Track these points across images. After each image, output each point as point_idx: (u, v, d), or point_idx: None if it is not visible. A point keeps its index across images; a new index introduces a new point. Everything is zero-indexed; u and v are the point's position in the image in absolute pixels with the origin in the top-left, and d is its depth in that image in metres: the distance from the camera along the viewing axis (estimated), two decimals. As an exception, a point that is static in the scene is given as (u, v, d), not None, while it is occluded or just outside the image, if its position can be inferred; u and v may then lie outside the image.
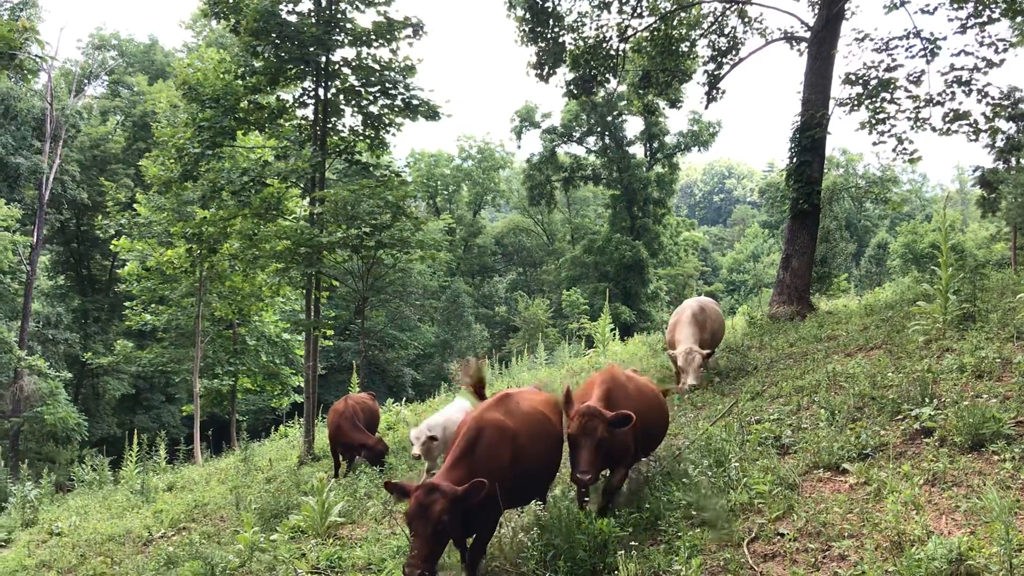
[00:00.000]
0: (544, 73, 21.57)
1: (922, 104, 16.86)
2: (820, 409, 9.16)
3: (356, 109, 18.46)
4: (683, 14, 21.11)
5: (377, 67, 17.79)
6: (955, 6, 16.52)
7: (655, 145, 61.22)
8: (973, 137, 16.92)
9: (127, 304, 32.60)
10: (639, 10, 20.85)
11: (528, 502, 7.76)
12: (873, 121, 17.15)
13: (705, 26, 21.39)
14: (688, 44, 21.56)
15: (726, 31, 21.34)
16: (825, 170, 19.58)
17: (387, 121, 18.60)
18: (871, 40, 17.19)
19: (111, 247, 32.87)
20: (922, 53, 17.01)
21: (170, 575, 9.66)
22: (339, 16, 17.36)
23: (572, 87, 22.14)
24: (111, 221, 32.00)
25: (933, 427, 7.59)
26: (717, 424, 9.30)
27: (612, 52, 21.50)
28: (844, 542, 6.04)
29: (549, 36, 20.99)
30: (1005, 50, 16.33)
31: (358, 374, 22.47)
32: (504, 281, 72.21)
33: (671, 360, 12.95)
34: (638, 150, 61.71)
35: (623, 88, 26.71)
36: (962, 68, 16.58)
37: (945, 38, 16.87)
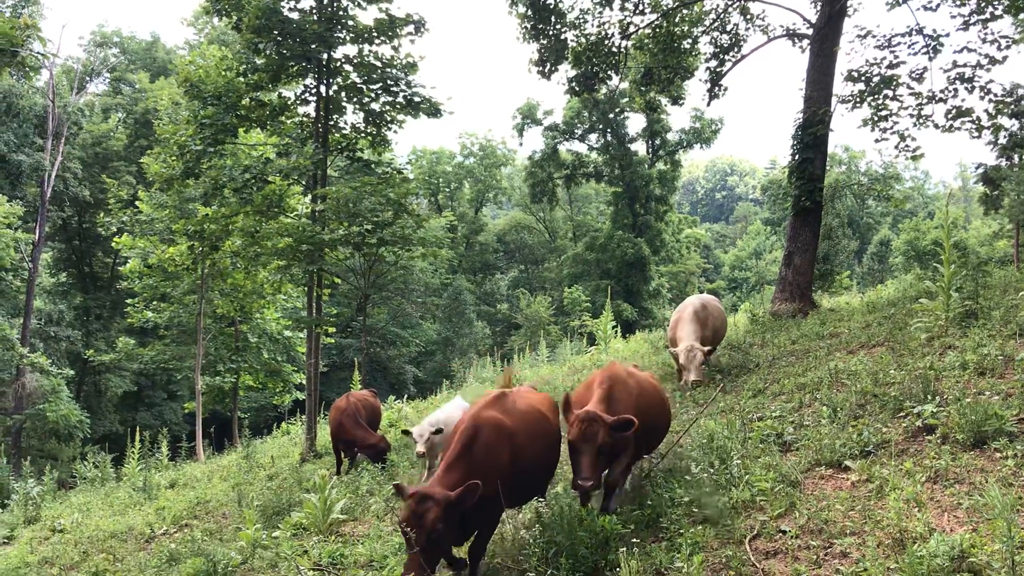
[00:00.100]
0: (546, 70, 21.55)
1: (924, 101, 16.82)
2: (822, 406, 9.15)
3: (358, 106, 18.45)
4: (685, 11, 21.07)
5: (379, 64, 17.78)
6: (957, 3, 16.48)
7: (657, 142, 61.18)
8: (976, 134, 16.88)
9: (129, 301, 32.67)
10: (641, 7, 20.82)
11: (526, 501, 7.74)
12: (875, 118, 17.11)
13: (707, 23, 21.36)
14: (690, 41, 21.52)
15: (728, 28, 21.30)
16: (827, 167, 19.53)
17: (389, 118, 18.59)
18: (873, 37, 17.17)
19: (113, 244, 32.91)
20: (924, 50, 16.98)
21: (172, 572, 9.68)
22: (341, 13, 17.34)
23: (574, 84, 22.12)
24: (113, 218, 32.05)
25: (935, 424, 7.58)
26: (713, 419, 9.28)
27: (614, 49, 21.47)
28: (846, 539, 6.04)
29: (551, 33, 20.96)
30: (1008, 47, 16.29)
31: (360, 371, 22.46)
32: (506, 278, 72.22)
33: (673, 357, 12.96)
34: (640, 147, 61.73)
35: (625, 85, 26.64)
36: (965, 65, 16.55)
37: (948, 35, 16.86)
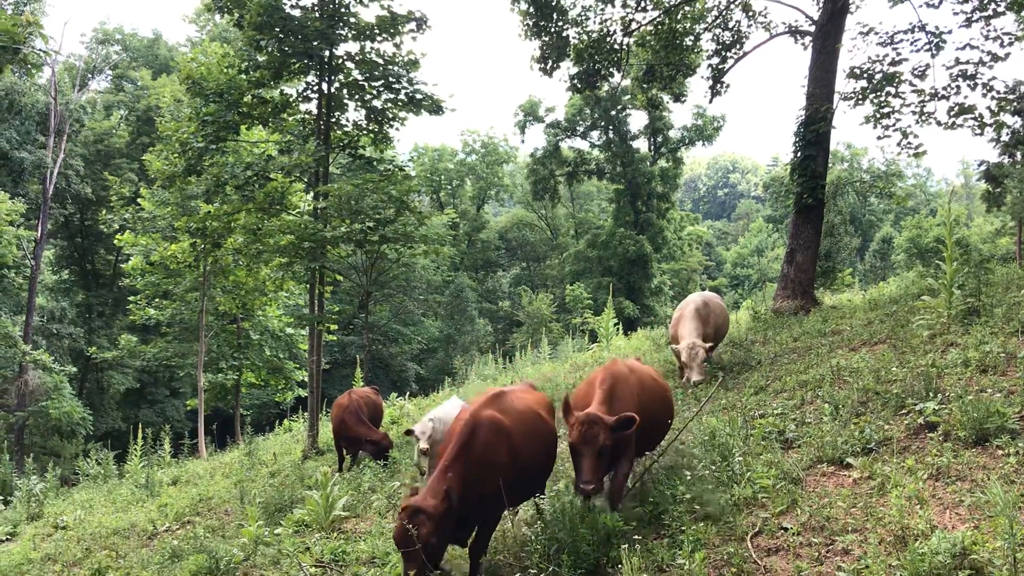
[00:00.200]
0: (548, 67, 21.53)
1: (927, 98, 16.79)
2: (824, 404, 9.16)
3: (360, 103, 18.46)
4: (687, 8, 21.04)
5: (381, 61, 17.78)
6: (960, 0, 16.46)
7: (659, 139, 61.09)
8: (978, 131, 16.85)
9: (131, 299, 32.67)
10: (643, 4, 20.79)
11: (523, 501, 7.72)
12: (878, 115, 17.08)
13: (709, 20, 21.33)
14: (692, 38, 21.50)
15: (730, 25, 21.27)
16: (829, 164, 19.52)
17: (391, 115, 18.60)
18: (876, 34, 17.13)
19: (115, 242, 32.92)
20: (927, 47, 16.95)
21: (175, 569, 9.70)
22: (343, 10, 17.34)
23: (576, 81, 22.10)
24: (115, 216, 32.03)
25: (937, 421, 7.59)
26: (715, 416, 9.28)
27: (616, 46, 21.44)
28: (848, 536, 6.04)
29: (553, 30, 20.94)
30: (1011, 44, 16.26)
31: (362, 368, 22.47)
32: (508, 276, 72.20)
33: (675, 355, 12.96)
34: (642, 144, 61.63)
35: (627, 82, 26.62)
36: (967, 62, 16.51)
37: (950, 32, 16.81)
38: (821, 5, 18.74)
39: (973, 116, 16.62)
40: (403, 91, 18.04)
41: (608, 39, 21.25)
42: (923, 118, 16.89)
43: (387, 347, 52.80)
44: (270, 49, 17.29)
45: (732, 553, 6.22)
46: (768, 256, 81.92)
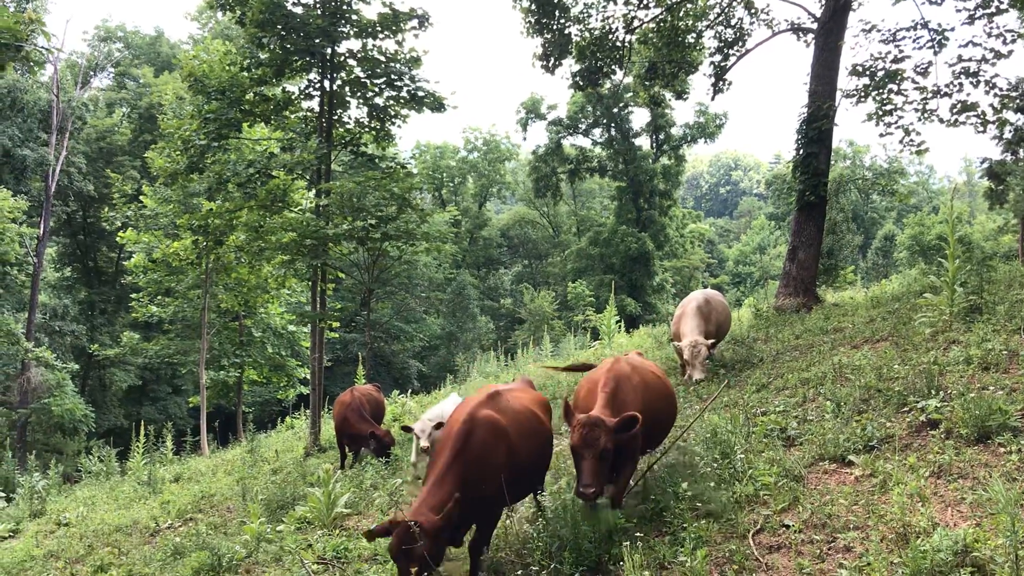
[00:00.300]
0: (550, 65, 21.51)
1: (929, 95, 16.78)
2: (826, 401, 9.15)
3: (362, 101, 18.45)
4: (689, 5, 21.02)
5: (383, 59, 17.78)
6: (963, -4, 16.43)
7: (661, 137, 61.02)
8: (981, 129, 16.83)
9: (133, 296, 32.69)
10: (645, 1, 20.77)
11: (519, 500, 7.70)
12: (880, 112, 17.07)
13: (711, 17, 21.31)
14: (694, 35, 21.47)
15: (732, 22, 21.24)
16: (832, 162, 19.49)
17: (393, 113, 18.59)
18: (878, 31, 17.11)
19: (117, 239, 32.92)
20: (929, 44, 16.92)
21: (177, 566, 9.71)
22: (345, 8, 17.33)
23: (578, 79, 22.07)
24: (117, 213, 32.09)
25: (939, 419, 7.58)
26: (720, 414, 9.27)
27: (618, 43, 21.42)
28: (849, 534, 6.04)
29: (555, 27, 20.92)
30: (1013, 41, 16.23)
31: (364, 366, 22.48)
32: (510, 273, 72.19)
33: (676, 352, 12.96)
34: (644, 142, 61.55)
35: (629, 80, 26.61)
36: (970, 59, 16.49)
37: (953, 29, 16.82)
38: (823, 2, 18.71)
39: (976, 113, 16.61)
40: (405, 88, 18.03)
41: (610, 36, 21.24)
42: (925, 115, 16.89)
43: (389, 344, 52.83)
44: (272, 46, 17.29)
45: (734, 550, 6.23)
46: (770, 254, 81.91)
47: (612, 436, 6.69)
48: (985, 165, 25.88)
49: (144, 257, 30.03)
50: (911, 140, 17.21)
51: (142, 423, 22.73)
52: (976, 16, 16.21)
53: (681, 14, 20.99)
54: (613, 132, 59.88)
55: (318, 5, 17.44)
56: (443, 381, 26.74)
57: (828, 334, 13.58)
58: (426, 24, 17.72)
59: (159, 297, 31.29)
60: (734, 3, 20.96)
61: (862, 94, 17.13)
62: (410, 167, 20.48)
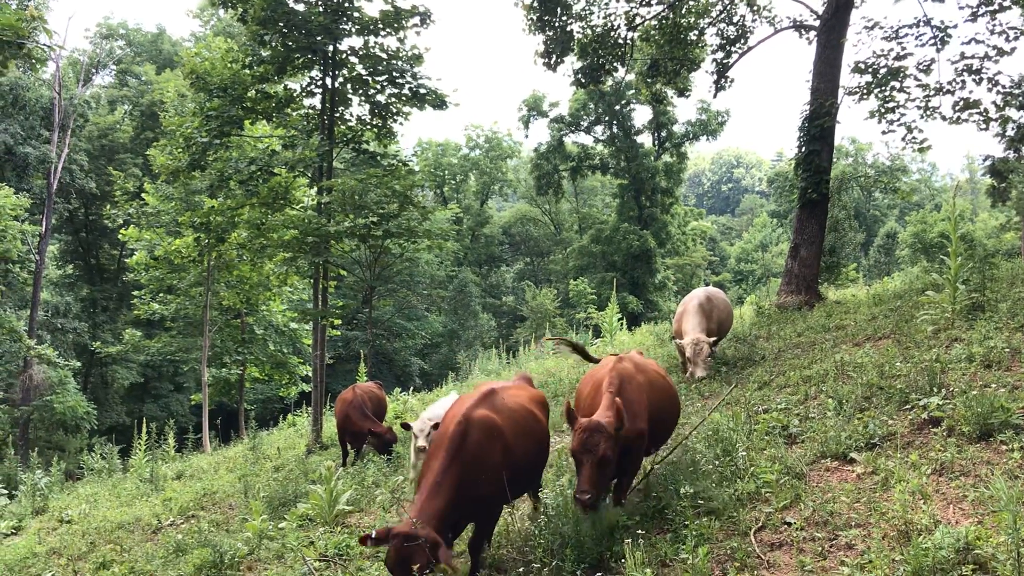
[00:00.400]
0: (552, 62, 21.50)
1: (932, 93, 16.77)
2: (828, 399, 9.15)
3: (363, 98, 18.45)
4: (691, 2, 21.01)
5: (384, 56, 17.76)
6: (965, -6, 16.40)
7: (663, 134, 61.01)
8: (983, 126, 16.82)
9: (135, 293, 32.73)
10: (647, -2, 20.77)
11: (517, 497, 7.67)
12: (882, 110, 17.06)
13: (714, 14, 21.29)
14: (697, 32, 21.46)
15: (735, 19, 21.23)
16: (834, 159, 19.46)
17: (394, 110, 18.58)
18: (881, 28, 17.09)
19: (119, 236, 32.98)
20: (932, 41, 16.91)
21: (179, 563, 9.72)
22: (346, 5, 17.31)
23: (580, 76, 22.06)
24: (119, 210, 32.13)
25: (941, 417, 7.58)
26: (723, 412, 9.27)
27: (620, 40, 21.41)
28: (851, 531, 6.04)
29: (557, 24, 20.91)
30: (1016, 38, 16.21)
31: (366, 363, 22.50)
32: (511, 271, 72.20)
33: (678, 350, 12.95)
34: (646, 139, 61.55)
35: (631, 77, 26.53)
36: (972, 56, 16.47)
37: (956, 26, 16.76)
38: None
39: (978, 111, 16.60)
40: (407, 86, 18.02)
41: (612, 34, 21.22)
42: (928, 113, 16.88)
43: (391, 342, 52.83)
44: (274, 44, 17.29)
45: (735, 548, 6.23)
46: (772, 251, 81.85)
47: (613, 443, 6.59)
48: (987, 162, 25.78)
49: (146, 254, 30.05)
50: (913, 137, 17.21)
51: (144, 420, 22.73)
52: (979, 13, 16.19)
53: (683, 11, 20.98)
54: (615, 129, 59.86)
55: (320, 3, 17.42)
56: (445, 379, 26.74)
57: (830, 332, 13.57)
58: (428, 21, 17.70)
59: (161, 294, 31.30)
60: (736, 0, 20.95)
61: (864, 91, 17.12)
62: (412, 164, 20.51)
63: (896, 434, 7.60)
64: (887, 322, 12.66)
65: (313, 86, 18.69)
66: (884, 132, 17.52)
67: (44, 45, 13.90)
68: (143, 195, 30.63)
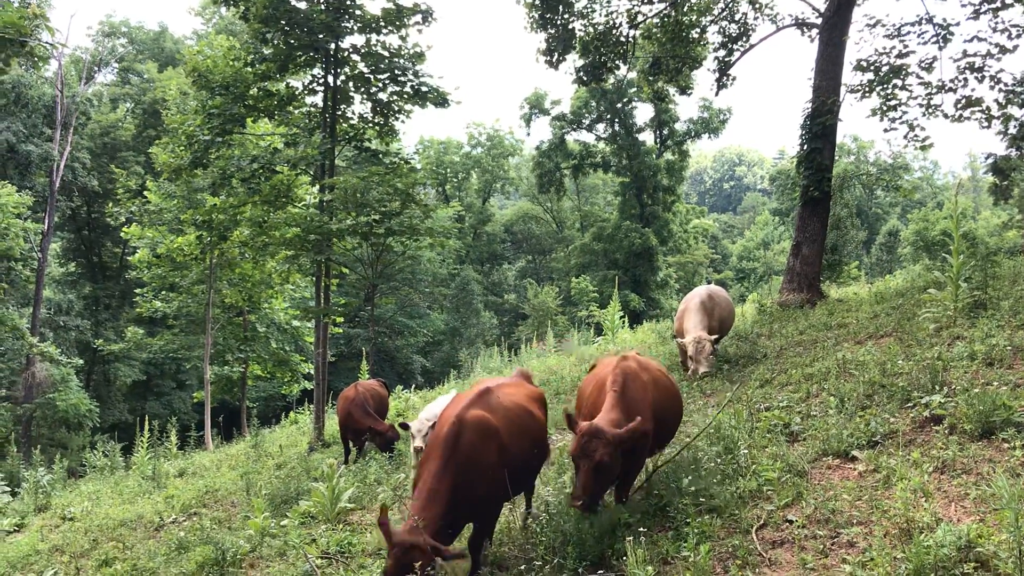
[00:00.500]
0: (553, 60, 21.48)
1: (934, 91, 16.72)
2: (829, 397, 9.15)
3: (365, 96, 18.45)
4: (693, 0, 20.98)
5: (386, 54, 17.76)
6: (968, -9, 16.36)
7: (665, 132, 60.96)
8: (985, 124, 16.77)
9: (138, 291, 32.76)
10: (649, -4, 20.74)
11: (516, 494, 7.65)
12: (884, 108, 17.02)
13: (715, 12, 21.25)
14: (698, 30, 21.43)
15: (736, 17, 21.19)
16: (836, 157, 19.45)
17: (396, 108, 18.58)
18: (883, 26, 17.05)
19: (122, 234, 33.00)
20: (934, 39, 16.87)
21: (181, 560, 9.74)
22: (348, 3, 17.30)
23: (582, 74, 22.05)
24: (122, 208, 32.12)
25: (943, 415, 7.58)
26: (725, 411, 9.27)
27: (622, 38, 21.39)
28: (853, 529, 6.05)
29: (559, 22, 20.89)
30: (1019, 36, 16.15)
31: (368, 361, 22.53)
32: (513, 269, 72.17)
33: (679, 348, 12.94)
34: (648, 137, 61.50)
35: (633, 75, 26.61)
36: (975, 54, 16.42)
37: (958, 24, 16.71)
38: (828, -3, 18.66)
39: (980, 109, 16.55)
40: (409, 84, 18.02)
41: (614, 31, 21.20)
42: (930, 111, 16.83)
43: (393, 340, 52.86)
44: (276, 42, 17.28)
45: (737, 545, 6.23)
46: (774, 249, 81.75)
47: (611, 449, 6.48)
48: (990, 160, 25.79)
49: (148, 252, 30.07)
50: (915, 135, 17.17)
51: (146, 418, 22.76)
52: (981, 11, 16.14)
53: (685, 9, 20.95)
54: (617, 127, 59.81)
55: (322, 0, 17.43)
56: (446, 376, 26.76)
57: (832, 330, 13.57)
58: (429, 19, 17.70)
59: (163, 292, 31.32)
60: (738, -2, 20.92)
61: (866, 89, 17.08)
62: (414, 162, 20.53)
63: (898, 432, 7.60)
64: (889, 320, 12.66)
65: (315, 84, 18.70)
66: (886, 130, 17.47)
67: (46, 43, 13.92)
68: (145, 193, 30.62)
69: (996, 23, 16.18)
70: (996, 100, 16.54)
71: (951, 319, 10.87)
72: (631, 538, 6.10)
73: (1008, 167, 24.62)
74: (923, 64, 16.80)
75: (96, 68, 49.60)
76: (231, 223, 19.62)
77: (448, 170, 67.36)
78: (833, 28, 18.10)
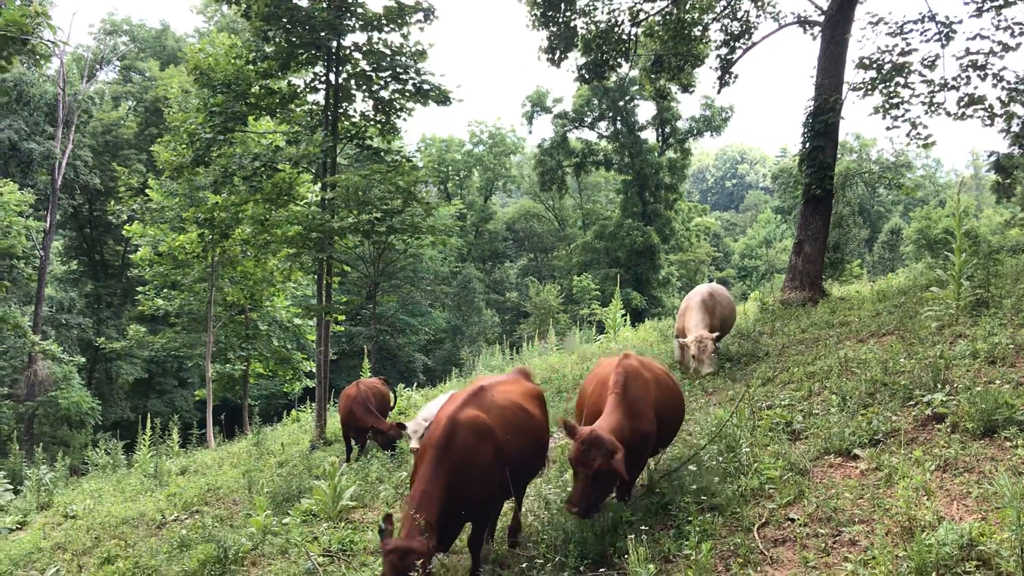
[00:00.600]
0: (556, 58, 21.46)
1: (936, 88, 16.69)
2: (831, 395, 9.14)
3: (367, 94, 18.44)
4: (695, -2, 20.96)
5: (388, 52, 17.76)
6: (971, -11, 16.33)
7: (667, 130, 60.92)
8: (988, 122, 16.74)
9: (140, 289, 32.81)
10: (651, -6, 20.71)
11: (520, 493, 7.63)
12: (887, 106, 16.99)
13: (718, 10, 21.23)
14: (700, 28, 21.40)
15: (739, 15, 21.16)
16: (838, 155, 19.41)
17: (398, 106, 18.58)
18: (885, 24, 17.02)
19: (123, 232, 33.05)
20: (937, 37, 16.84)
21: (183, 558, 9.75)
22: (350, 0, 17.31)
23: (584, 72, 22.03)
24: (123, 206, 32.16)
25: (945, 413, 7.57)
26: (727, 409, 9.27)
27: (624, 36, 21.37)
28: (855, 527, 6.04)
29: (561, 20, 20.87)
30: (1021, 34, 16.11)
31: (369, 359, 22.53)
32: (515, 267, 72.17)
33: (680, 347, 12.92)
34: (650, 135, 61.46)
35: (635, 73, 26.57)
36: (977, 52, 16.39)
37: (960, 21, 16.68)
38: (830, -5, 18.63)
39: (983, 106, 16.52)
40: (410, 82, 18.01)
41: (616, 29, 21.18)
42: (932, 109, 16.80)
43: (394, 338, 52.88)
44: (277, 40, 17.28)
45: (739, 544, 6.23)
46: (776, 247, 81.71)
47: (610, 458, 6.38)
48: (992, 159, 25.74)
49: (150, 250, 30.10)
50: (918, 133, 17.13)
51: (148, 416, 22.78)
52: (984, 9, 16.11)
53: (687, 7, 20.92)
54: (619, 125, 59.78)
55: (323, -2, 17.43)
56: (448, 374, 26.77)
57: (834, 328, 13.56)
58: (431, 17, 17.69)
59: (165, 290, 31.37)
60: (740, -4, 20.89)
61: (869, 87, 17.05)
62: (415, 160, 20.50)
63: (900, 430, 7.59)
64: (891, 318, 12.64)
65: (317, 82, 18.69)
66: (888, 128, 17.43)
67: (48, 41, 13.92)
68: (147, 191, 30.64)
69: (999, 21, 16.15)
70: (999, 98, 16.52)
71: (953, 317, 10.85)
72: (633, 536, 6.09)
73: (1011, 165, 24.57)
74: (926, 62, 16.77)
75: (98, 66, 49.65)
76: (233, 221, 19.64)
77: (450, 168, 67.37)
78: (835, 26, 18.07)
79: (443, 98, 18.27)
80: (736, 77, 21.68)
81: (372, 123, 18.77)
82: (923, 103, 16.81)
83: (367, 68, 17.92)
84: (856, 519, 6.17)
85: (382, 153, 19.20)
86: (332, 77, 18.01)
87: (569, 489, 7.24)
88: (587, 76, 22.29)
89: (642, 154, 58.10)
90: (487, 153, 67.67)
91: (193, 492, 14.59)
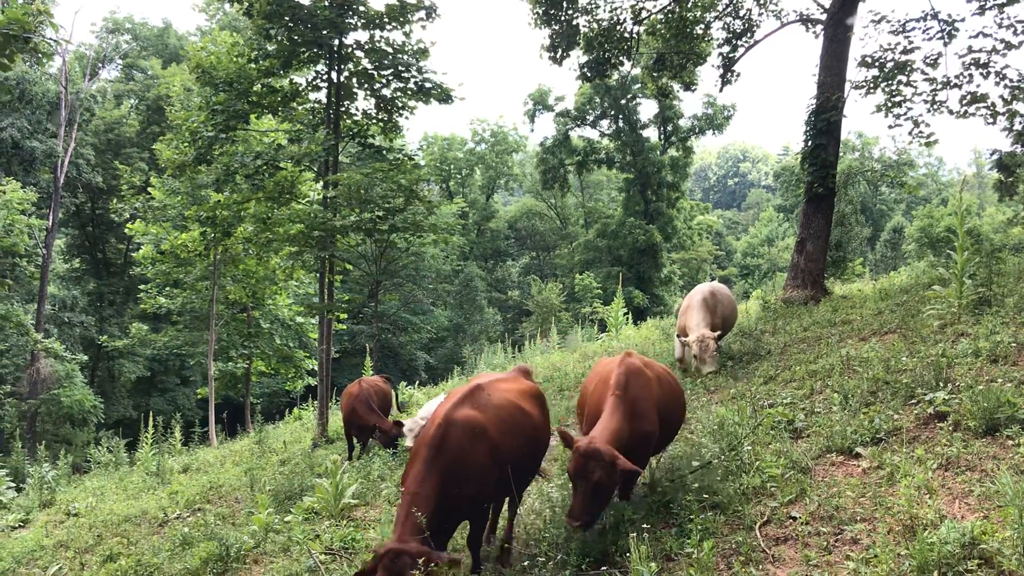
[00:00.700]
0: (558, 56, 21.46)
1: (939, 87, 16.67)
2: (833, 393, 9.13)
3: (369, 92, 18.45)
4: (697, -4, 20.95)
5: (390, 50, 17.76)
6: (973, -13, 16.30)
7: (669, 128, 60.93)
8: (990, 120, 16.72)
9: (142, 287, 32.85)
10: (653, -8, 20.70)
11: (521, 491, 7.58)
12: (889, 104, 16.97)
13: (720, 8, 21.21)
14: (703, 26, 21.39)
15: (741, 13, 21.15)
16: (840, 153, 19.39)
17: (400, 104, 18.58)
18: (888, 22, 17.01)
19: (126, 230, 33.11)
20: (939, 35, 16.82)
21: (185, 556, 9.75)
22: (352, -1, 17.32)
23: (586, 70, 22.02)
24: (126, 204, 32.18)
25: (947, 411, 7.56)
26: (728, 408, 9.26)
27: (626, 35, 21.36)
28: (856, 526, 6.04)
29: (563, 18, 20.87)
30: (1024, 32, 16.13)
31: (372, 357, 22.54)
32: (517, 265, 72.19)
33: (681, 347, 12.91)
34: (652, 133, 61.49)
35: (637, 71, 26.54)
36: (980, 50, 16.37)
37: (963, 19, 16.66)
38: (833, -7, 18.61)
39: (985, 105, 16.50)
40: (412, 80, 18.02)
41: (618, 27, 21.17)
42: (935, 107, 16.78)
43: (396, 336, 52.92)
44: (279, 38, 17.29)
45: (740, 542, 6.23)
46: (778, 246, 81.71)
47: (609, 469, 6.26)
48: (995, 157, 25.70)
49: (152, 248, 30.15)
50: (920, 132, 17.12)
51: (151, 414, 22.82)
52: (986, 7, 16.09)
53: (689, 5, 20.90)
54: (621, 124, 59.80)
55: (325, -3, 17.43)
56: (450, 373, 26.77)
57: (836, 326, 13.55)
58: (433, 15, 17.70)
59: (167, 288, 31.42)
60: (742, -6, 20.87)
61: (871, 85, 17.03)
62: (417, 159, 20.51)
63: (902, 429, 7.59)
64: (893, 317, 12.63)
65: (319, 80, 18.70)
66: (891, 126, 17.42)
67: (50, 39, 13.92)
68: (149, 189, 30.68)
69: (1002, 19, 16.14)
70: (1001, 96, 16.51)
71: (955, 316, 10.84)
72: (634, 535, 6.08)
73: (1013, 163, 24.52)
74: (928, 60, 16.75)
75: (100, 64, 49.68)
76: (235, 219, 19.64)
77: (452, 166, 67.40)
78: (838, 24, 18.06)
79: (445, 96, 18.28)
80: (738, 75, 21.68)
81: (374, 121, 18.78)
82: (925, 101, 16.80)
83: (369, 66, 17.92)
84: (858, 517, 6.17)
85: (384, 151, 19.21)
86: (334, 75, 18.02)
87: (571, 488, 7.24)
88: (589, 74, 22.29)
89: (644, 152, 58.11)
90: (489, 151, 67.68)
91: (195, 490, 14.61)
